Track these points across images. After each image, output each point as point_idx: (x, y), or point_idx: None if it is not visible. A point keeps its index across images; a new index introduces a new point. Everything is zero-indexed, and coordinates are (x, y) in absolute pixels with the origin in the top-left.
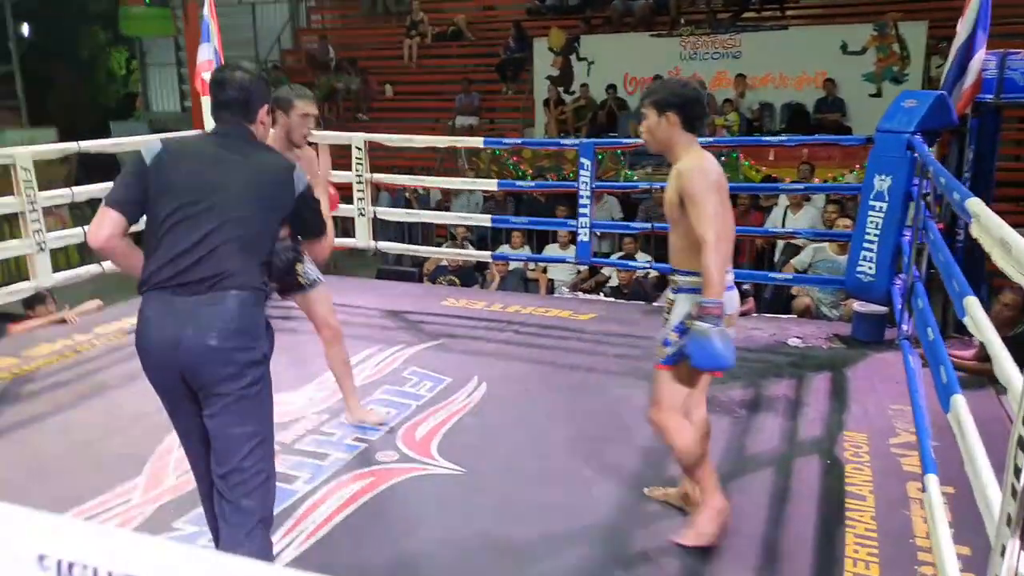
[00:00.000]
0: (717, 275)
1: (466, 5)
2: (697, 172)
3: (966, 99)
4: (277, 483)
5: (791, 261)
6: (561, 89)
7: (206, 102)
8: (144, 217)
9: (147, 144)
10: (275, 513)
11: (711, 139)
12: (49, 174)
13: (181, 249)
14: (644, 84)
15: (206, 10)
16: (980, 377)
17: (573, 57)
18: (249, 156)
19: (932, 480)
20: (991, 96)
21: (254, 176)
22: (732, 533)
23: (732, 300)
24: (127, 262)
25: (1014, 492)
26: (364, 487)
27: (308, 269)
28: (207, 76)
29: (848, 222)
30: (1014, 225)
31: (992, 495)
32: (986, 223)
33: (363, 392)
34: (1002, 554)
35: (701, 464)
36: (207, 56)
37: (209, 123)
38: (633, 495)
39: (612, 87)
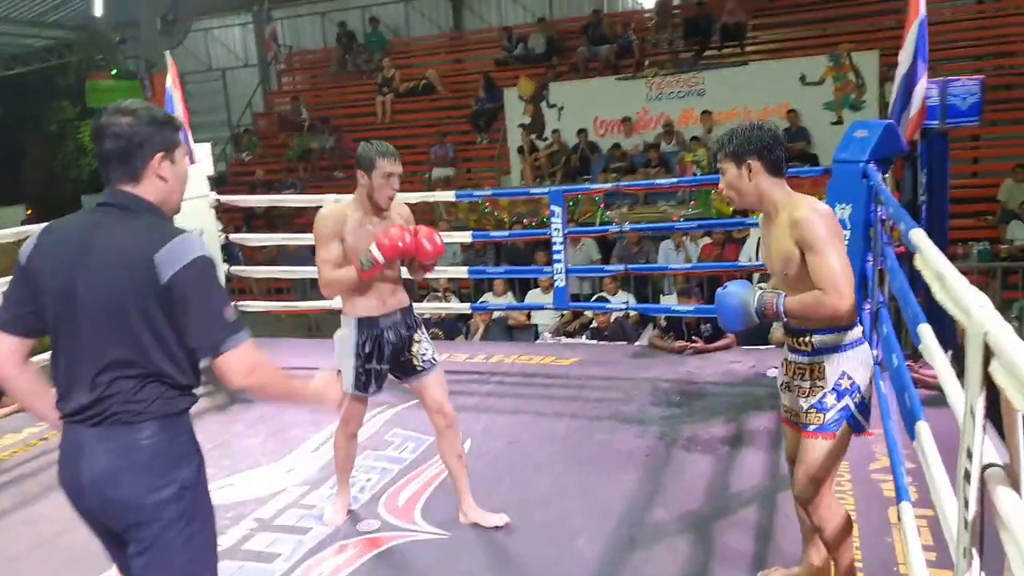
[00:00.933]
0: (810, 311)
1: (435, 59)
2: (818, 217)
3: (913, 126)
4: (256, 563)
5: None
6: (534, 136)
7: None
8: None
9: (31, 237)
10: None
11: (675, 180)
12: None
13: (68, 373)
14: (614, 127)
15: (169, 80)
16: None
17: (543, 104)
18: (116, 236)
19: (906, 509)
20: (936, 122)
21: (115, 268)
22: (717, 572)
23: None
24: (24, 399)
25: (966, 523)
26: (345, 560)
27: (425, 348)
28: None
29: None
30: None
31: (952, 524)
32: (926, 255)
33: None
34: None
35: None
36: None
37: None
38: (621, 544)
39: (583, 131)
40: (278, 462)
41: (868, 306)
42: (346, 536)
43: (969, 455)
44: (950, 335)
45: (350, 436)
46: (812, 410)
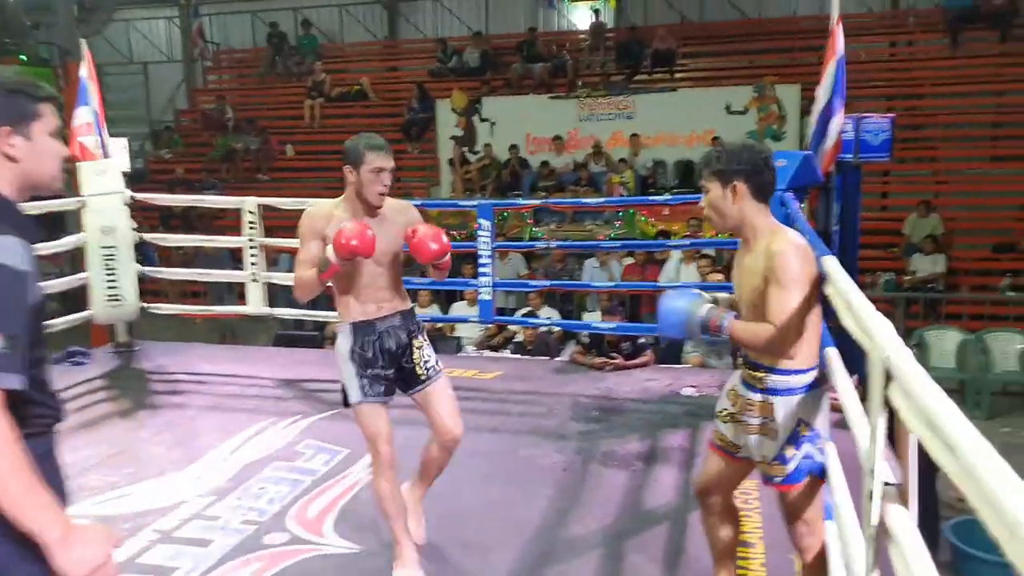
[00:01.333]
0: (755, 340)
1: (368, 66)
2: (793, 253)
3: (829, 159)
4: None
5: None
6: (465, 149)
7: (84, 167)
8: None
9: None
10: None
11: (603, 200)
12: None
13: None
14: (545, 144)
15: (84, 71)
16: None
17: (476, 118)
18: None
19: None
20: (850, 156)
21: None
22: None
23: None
24: None
25: (872, 539)
26: (250, 574)
27: (427, 355)
28: (85, 140)
29: (720, 276)
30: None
31: (852, 543)
32: (835, 282)
33: (252, 470)
34: None
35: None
36: (85, 119)
37: (88, 187)
38: (536, 559)
39: (515, 147)
40: (184, 470)
41: None
42: (251, 550)
43: (872, 475)
44: (858, 361)
45: (389, 466)
46: (776, 462)
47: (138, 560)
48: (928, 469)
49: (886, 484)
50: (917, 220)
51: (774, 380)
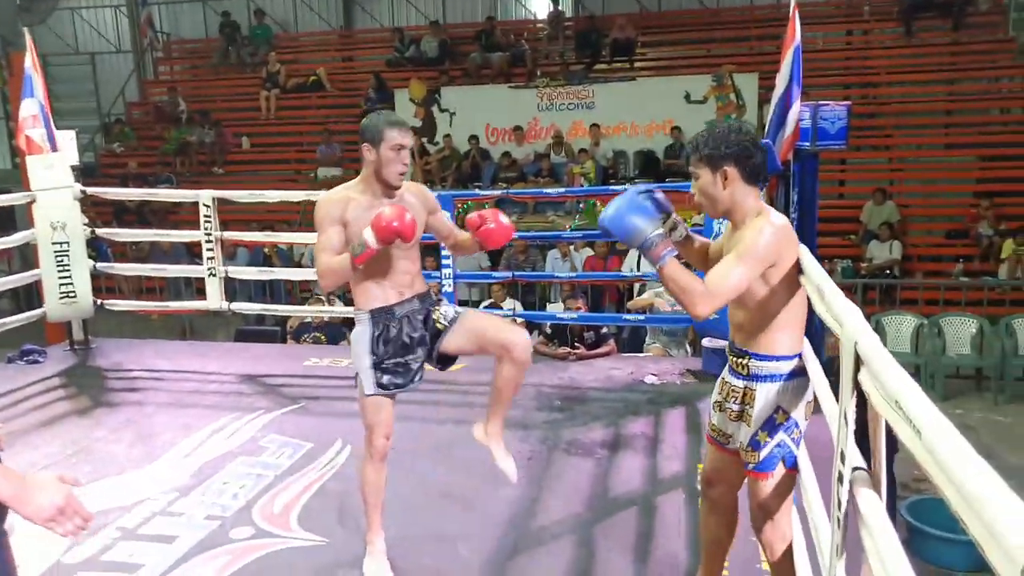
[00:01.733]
0: (678, 291)
1: (324, 55)
2: (766, 230)
3: (787, 147)
4: (117, 574)
5: (628, 304)
6: (425, 139)
7: (32, 161)
8: None
9: None
10: None
11: (564, 189)
12: None
13: None
14: (505, 135)
15: (28, 61)
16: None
17: (435, 108)
18: None
19: None
20: (808, 143)
21: None
22: (598, 573)
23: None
24: None
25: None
26: (215, 569)
27: (444, 311)
28: (32, 134)
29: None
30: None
31: (821, 527)
32: (807, 271)
33: (215, 466)
34: None
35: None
36: (31, 111)
37: (37, 182)
38: (504, 549)
39: (475, 138)
40: (144, 469)
41: None
42: (217, 544)
43: (842, 458)
44: (818, 348)
45: (380, 457)
46: (749, 448)
47: (102, 558)
48: (888, 451)
49: (856, 469)
50: (873, 208)
51: (756, 365)
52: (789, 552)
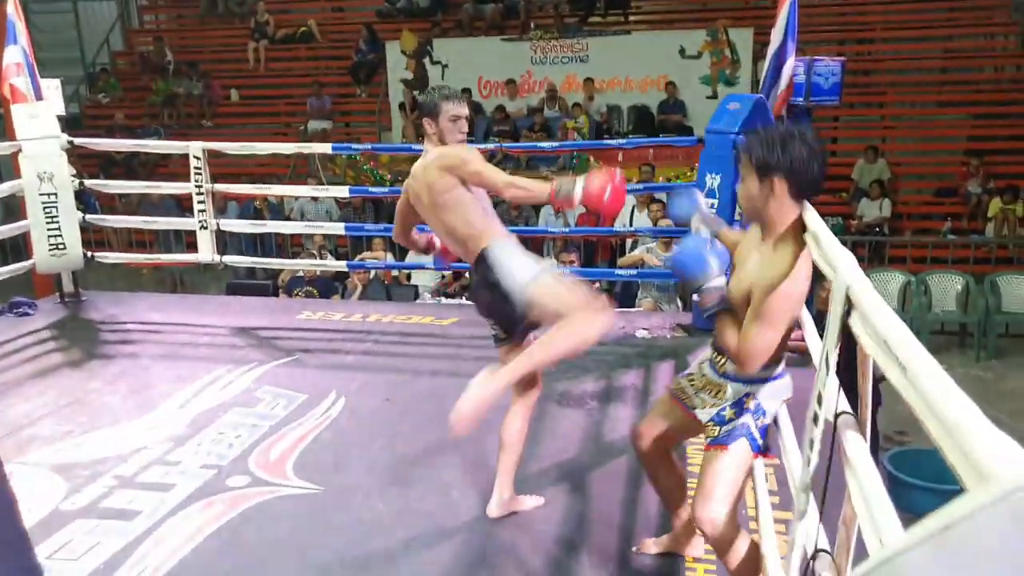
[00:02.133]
0: (721, 338)
1: (314, 6)
2: (791, 297)
3: (781, 102)
4: (115, 521)
5: (620, 260)
6: (416, 92)
7: (17, 110)
8: None
9: None
10: (113, 554)
11: (559, 143)
12: None
13: None
14: (498, 88)
15: (11, 7)
16: (805, 355)
17: (427, 60)
18: None
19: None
20: (801, 99)
21: None
22: (592, 518)
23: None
24: None
25: (809, 462)
26: (213, 515)
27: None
28: (16, 82)
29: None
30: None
31: (795, 466)
32: (804, 216)
33: (210, 417)
34: (801, 518)
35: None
36: (15, 59)
37: (22, 131)
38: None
39: (467, 91)
40: (140, 419)
41: None
42: (214, 492)
43: (820, 401)
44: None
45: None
46: (711, 423)
47: (99, 505)
48: (872, 403)
49: (842, 413)
50: (865, 165)
51: (732, 369)
52: (728, 541)
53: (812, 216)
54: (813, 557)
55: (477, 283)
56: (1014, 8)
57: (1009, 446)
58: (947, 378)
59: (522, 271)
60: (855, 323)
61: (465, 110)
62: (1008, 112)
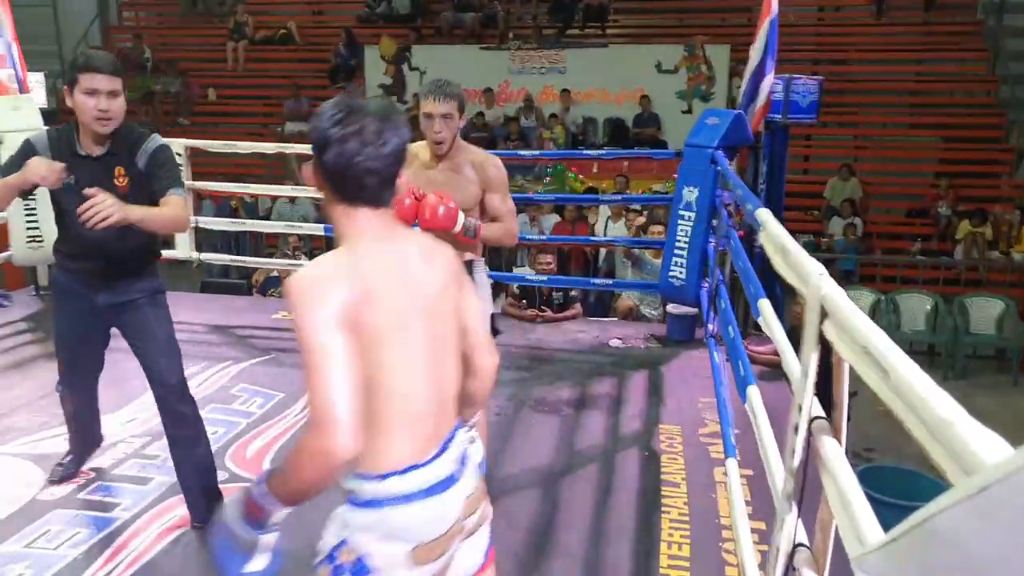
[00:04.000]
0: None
1: (293, 8)
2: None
3: (758, 118)
4: (94, 512)
5: (614, 307)
6: (394, 98)
7: (3, 101)
8: None
9: None
10: (90, 544)
11: (537, 152)
12: None
13: None
14: (476, 96)
15: None
16: (776, 369)
17: (405, 66)
18: None
19: (731, 464)
20: (779, 116)
21: None
22: (562, 526)
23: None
24: None
25: (792, 471)
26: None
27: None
28: (1, 74)
29: (660, 228)
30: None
31: (777, 474)
32: (770, 231)
33: None
34: (782, 527)
35: None
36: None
37: (3, 123)
38: None
39: None
40: (115, 413)
41: (706, 284)
42: None
43: (800, 410)
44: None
45: None
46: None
47: (77, 496)
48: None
49: (817, 418)
50: (837, 183)
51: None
52: None
53: (775, 225)
54: (792, 553)
55: None
56: (986, 35)
57: (993, 437)
58: (929, 379)
59: (489, 302)
60: (829, 331)
61: (438, 109)
62: (978, 136)
